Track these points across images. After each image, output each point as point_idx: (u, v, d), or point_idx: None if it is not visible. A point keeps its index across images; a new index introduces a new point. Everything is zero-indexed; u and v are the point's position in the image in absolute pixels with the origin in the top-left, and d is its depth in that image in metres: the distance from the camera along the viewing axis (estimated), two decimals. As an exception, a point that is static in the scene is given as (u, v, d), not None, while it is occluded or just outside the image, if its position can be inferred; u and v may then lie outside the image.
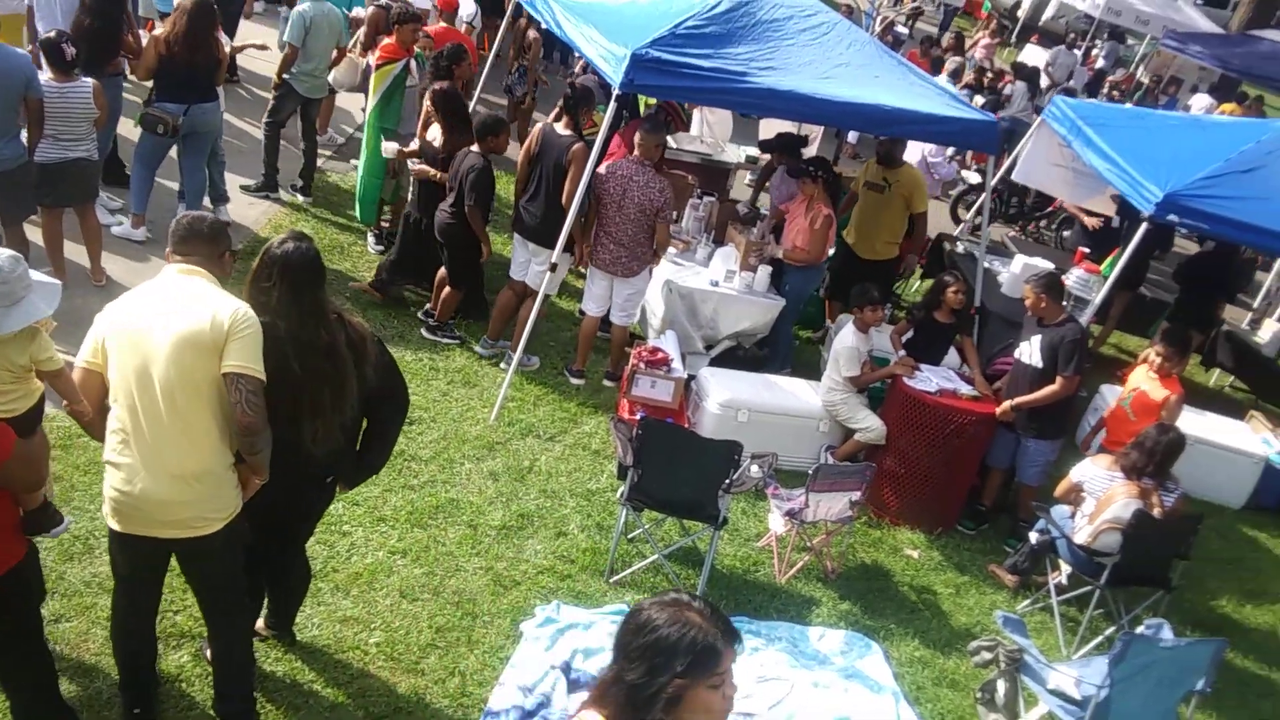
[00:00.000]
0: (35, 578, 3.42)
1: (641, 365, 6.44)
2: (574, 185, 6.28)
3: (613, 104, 6.06)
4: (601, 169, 6.51)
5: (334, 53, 8.32)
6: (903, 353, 6.65)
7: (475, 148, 6.56)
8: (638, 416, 6.00)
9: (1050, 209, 11.56)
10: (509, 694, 4.32)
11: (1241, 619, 6.29)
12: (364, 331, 3.72)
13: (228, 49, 7.63)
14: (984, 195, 7.87)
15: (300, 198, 8.48)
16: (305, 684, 4.16)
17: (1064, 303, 6.32)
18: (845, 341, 6.35)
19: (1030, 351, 6.07)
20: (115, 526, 3.39)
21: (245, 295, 3.45)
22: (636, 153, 6.56)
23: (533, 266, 6.70)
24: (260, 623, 4.26)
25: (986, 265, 7.90)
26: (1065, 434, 6.33)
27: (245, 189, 8.29)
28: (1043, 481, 6.24)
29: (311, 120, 8.45)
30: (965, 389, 6.28)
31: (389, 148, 7.33)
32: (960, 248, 9.07)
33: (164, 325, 3.19)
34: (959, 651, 5.24)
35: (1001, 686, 4.58)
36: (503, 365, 6.80)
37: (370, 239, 8.07)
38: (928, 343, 6.72)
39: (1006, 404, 6.07)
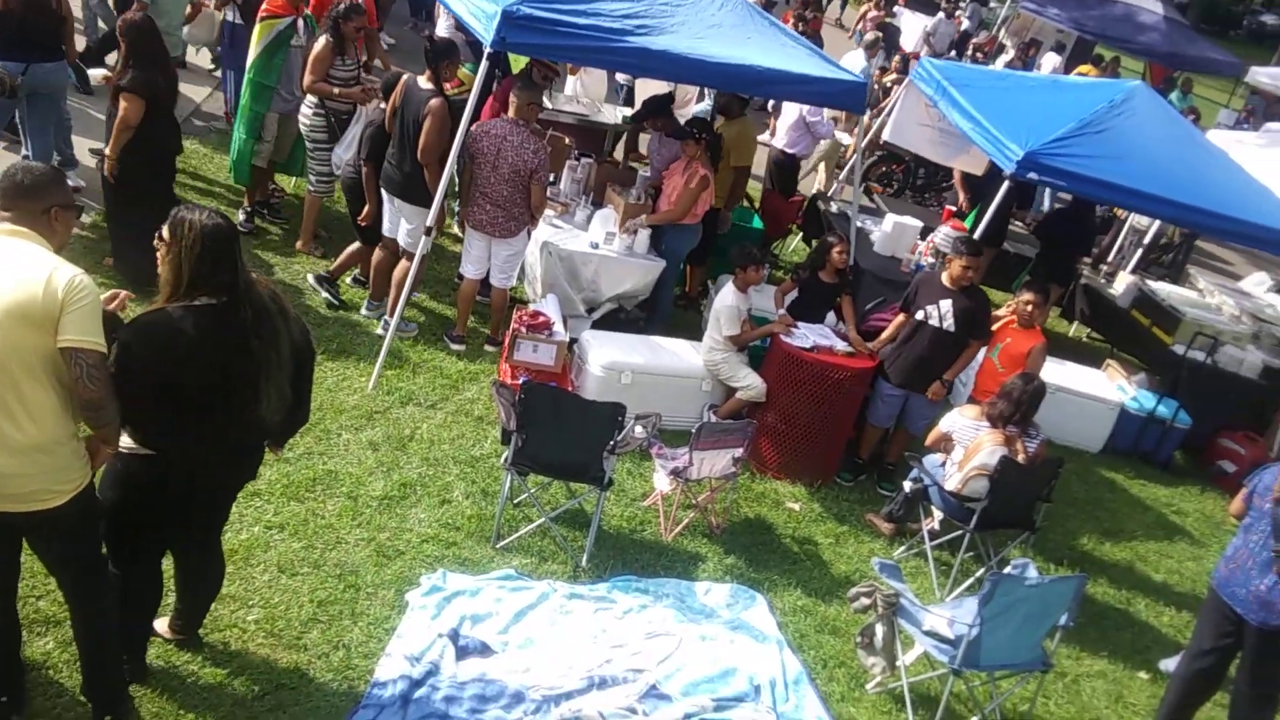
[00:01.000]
0: None
1: (523, 329, 6.38)
2: (429, 139, 6.16)
3: (484, 63, 5.93)
4: (475, 128, 6.39)
5: (187, 8, 7.92)
6: (782, 311, 6.75)
7: (382, 105, 6.54)
8: (520, 381, 5.95)
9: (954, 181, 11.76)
10: (396, 664, 4.27)
11: (1100, 556, 6.65)
12: (273, 287, 3.62)
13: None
14: (854, 155, 8.02)
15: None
16: (181, 665, 4.01)
17: (935, 259, 6.51)
18: (725, 301, 6.41)
19: (939, 315, 6.18)
20: None
21: (179, 278, 3.27)
22: (510, 112, 6.46)
23: (402, 224, 6.53)
24: (164, 624, 4.09)
25: (859, 225, 8.08)
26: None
27: (95, 153, 7.83)
28: (923, 432, 6.44)
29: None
30: (841, 345, 6.42)
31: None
32: (834, 207, 9.25)
33: None
34: (839, 599, 5.39)
35: (880, 630, 4.73)
36: (379, 332, 6.65)
37: (240, 216, 7.47)
38: (812, 302, 6.82)
39: (937, 384, 6.19)
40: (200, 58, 9.93)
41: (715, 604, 5.17)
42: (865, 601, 4.79)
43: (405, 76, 6.48)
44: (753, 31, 6.78)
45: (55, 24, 6.55)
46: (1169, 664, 5.55)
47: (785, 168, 9.84)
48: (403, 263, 6.53)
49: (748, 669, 4.73)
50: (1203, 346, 8.16)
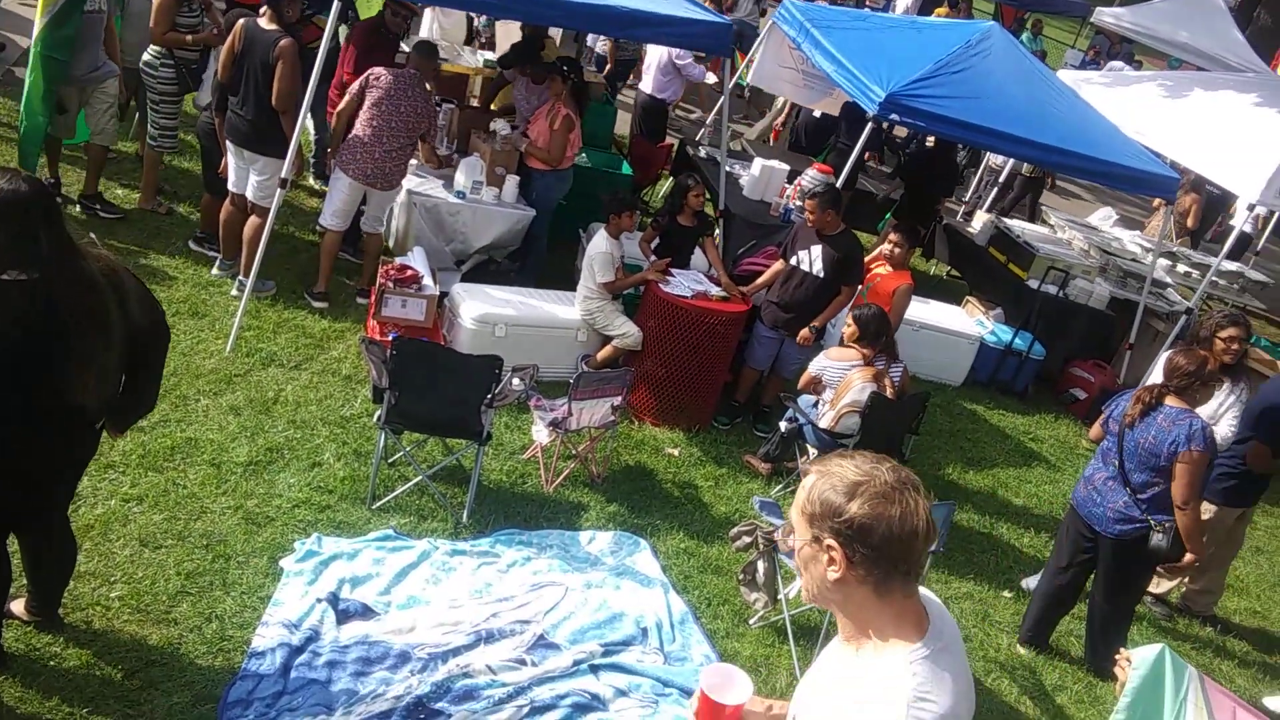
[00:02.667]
0: None
1: (390, 284, 6.19)
2: (284, 84, 5.89)
3: (335, 5, 5.66)
4: (377, 73, 6.27)
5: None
6: (654, 258, 6.74)
7: None
8: (390, 337, 5.78)
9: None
10: (274, 632, 4.13)
11: (965, 484, 6.94)
12: (114, 263, 3.30)
13: None
14: (722, 98, 8.02)
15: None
16: (42, 648, 3.78)
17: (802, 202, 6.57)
18: (598, 248, 6.35)
19: (810, 260, 6.25)
20: None
21: None
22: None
23: (251, 177, 6.22)
24: (20, 605, 3.83)
25: (728, 169, 8.10)
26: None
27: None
28: (796, 375, 6.55)
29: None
30: (715, 290, 6.45)
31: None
32: (703, 152, 9.25)
33: None
34: (720, 539, 5.47)
35: (761, 567, 4.82)
36: (234, 293, 6.34)
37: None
38: (674, 246, 6.83)
39: (805, 330, 6.25)
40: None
41: (599, 551, 5.18)
42: (746, 540, 4.87)
43: (242, 20, 6.11)
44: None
45: None
46: (1030, 582, 5.85)
47: (653, 112, 9.78)
48: (253, 219, 6.23)
49: (634, 613, 4.76)
50: (1054, 280, 8.53)
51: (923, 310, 8.08)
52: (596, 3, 6.14)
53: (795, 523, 1.95)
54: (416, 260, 6.53)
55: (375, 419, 5.20)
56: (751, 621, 4.99)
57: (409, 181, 6.92)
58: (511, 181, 7.11)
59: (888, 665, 1.90)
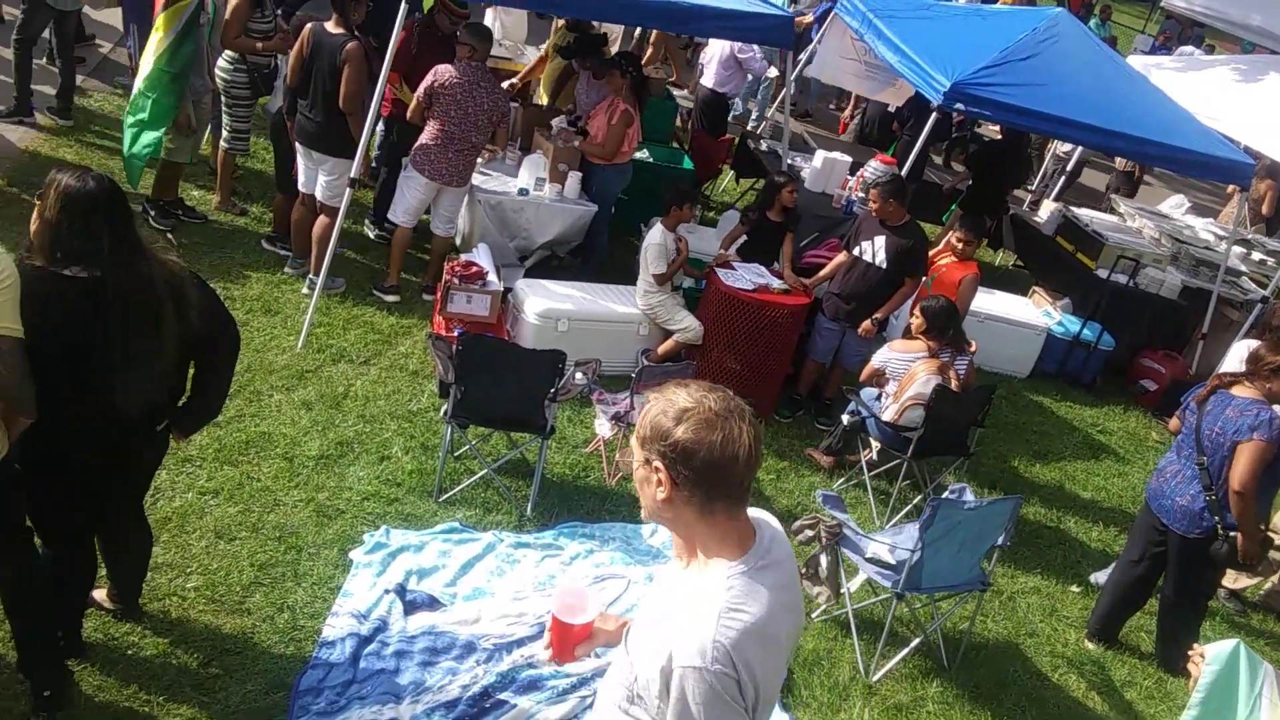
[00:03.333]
0: None
1: (456, 280, 6.28)
2: (351, 86, 5.99)
3: (404, 5, 5.75)
4: (445, 72, 6.31)
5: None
6: (722, 250, 6.76)
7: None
8: (455, 333, 5.87)
9: None
10: (344, 622, 4.23)
11: (1032, 477, 6.83)
12: (181, 272, 3.32)
13: None
14: (784, 90, 7.98)
15: (59, 121, 7.73)
16: (120, 637, 3.92)
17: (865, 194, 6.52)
18: (653, 239, 6.39)
19: (873, 252, 6.21)
20: None
21: (44, 242, 3.03)
22: (466, 56, 6.40)
23: (320, 177, 6.35)
24: (103, 594, 3.97)
25: (790, 161, 8.07)
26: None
27: (-3, 115, 7.49)
28: (859, 367, 6.49)
29: (66, 35, 7.68)
30: (776, 283, 6.44)
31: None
32: (764, 146, 9.22)
33: None
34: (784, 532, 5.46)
35: (824, 560, 4.81)
36: (305, 290, 6.49)
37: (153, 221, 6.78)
38: (762, 243, 6.80)
39: (867, 322, 6.21)
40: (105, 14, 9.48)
41: (661, 544, 5.21)
42: (809, 533, 4.85)
43: (310, 24, 6.24)
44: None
45: None
46: (1099, 577, 5.75)
47: (714, 106, 9.76)
48: (322, 218, 6.37)
49: (696, 606, 4.78)
50: (1124, 270, 8.35)
51: (988, 301, 7.97)
52: (657, -1, 6.16)
53: (633, 446, 2.04)
54: (481, 257, 6.62)
55: (442, 413, 5.29)
56: (814, 615, 4.98)
57: (474, 180, 7.01)
58: (574, 178, 7.16)
59: (707, 580, 2.00)
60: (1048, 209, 9.57)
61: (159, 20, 6.28)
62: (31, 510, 3.38)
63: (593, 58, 7.88)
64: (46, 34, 7.79)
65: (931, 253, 6.56)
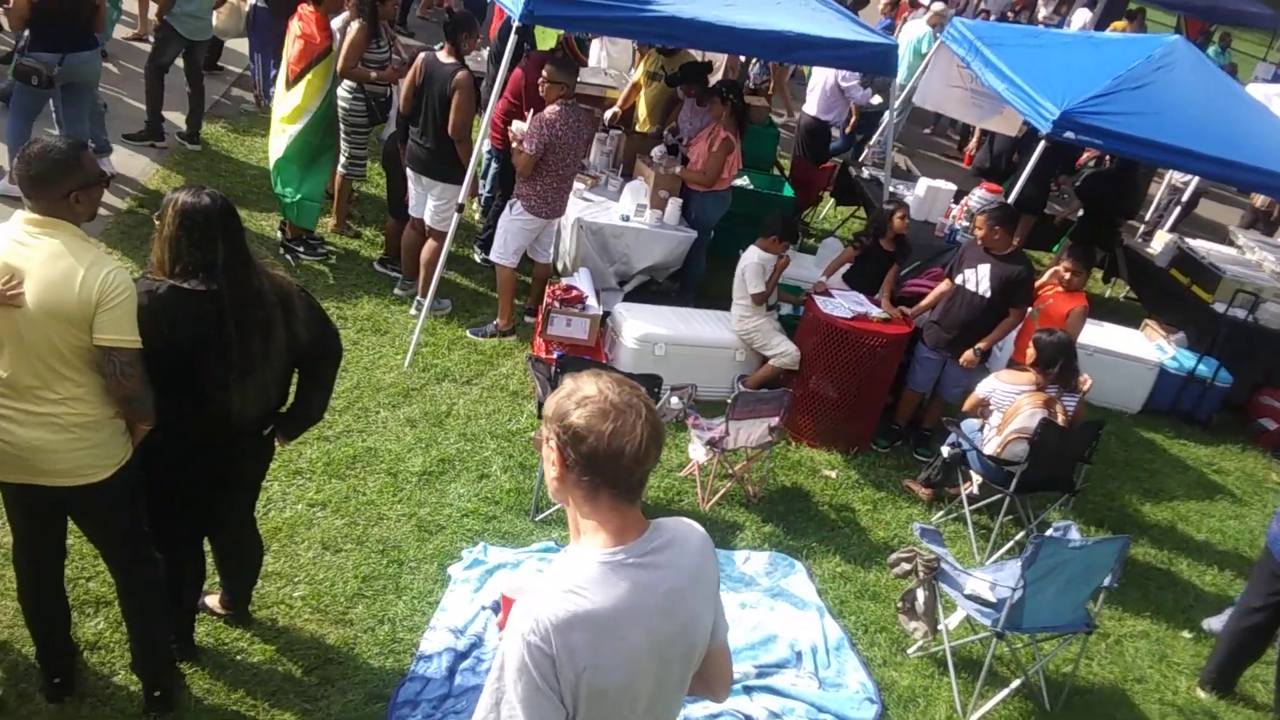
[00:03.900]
0: None
1: (556, 304, 6.39)
2: (460, 115, 6.16)
3: (513, 36, 5.91)
4: (554, 123, 6.20)
5: (216, -6, 7.94)
6: (824, 278, 6.75)
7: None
8: (554, 355, 5.97)
9: None
10: (441, 637, 4.32)
11: (1142, 517, 6.60)
12: (288, 285, 3.49)
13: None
14: (887, 119, 7.92)
15: (188, 145, 8.14)
16: (230, 642, 4.08)
17: (970, 223, 6.42)
18: (750, 259, 6.40)
19: (976, 280, 6.12)
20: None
21: (164, 257, 3.20)
22: (557, 93, 6.31)
23: (429, 202, 6.53)
24: (215, 600, 4.15)
25: (891, 189, 8.00)
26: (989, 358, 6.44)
27: (128, 137, 7.92)
28: (960, 399, 6.39)
29: (196, 64, 8.08)
30: (876, 312, 6.38)
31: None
32: (866, 174, 9.16)
33: (27, 290, 2.96)
34: (879, 564, 5.39)
35: (921, 595, 4.73)
36: (413, 311, 6.68)
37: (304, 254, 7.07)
38: (870, 270, 6.74)
39: (970, 352, 6.10)
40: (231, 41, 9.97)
41: (754, 572, 5.19)
42: (906, 567, 4.78)
43: (423, 54, 6.45)
44: (781, -4, 6.71)
45: (88, 14, 6.57)
46: (1213, 623, 5.51)
47: (817, 134, 9.74)
48: (430, 241, 6.55)
49: (789, 635, 4.75)
50: (1243, 304, 8.02)
51: (1097, 334, 7.74)
52: (760, 28, 6.20)
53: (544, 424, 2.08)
54: (581, 281, 6.73)
55: (539, 434, 5.38)
56: (910, 651, 4.90)
57: (577, 207, 7.14)
58: (674, 204, 7.23)
59: (570, 560, 2.03)
60: (1162, 240, 9.26)
61: (305, 87, 6.46)
62: (148, 514, 3.55)
63: (696, 85, 7.96)
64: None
65: (1038, 283, 6.41)
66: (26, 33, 6.44)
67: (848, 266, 6.89)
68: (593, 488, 2.00)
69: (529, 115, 6.36)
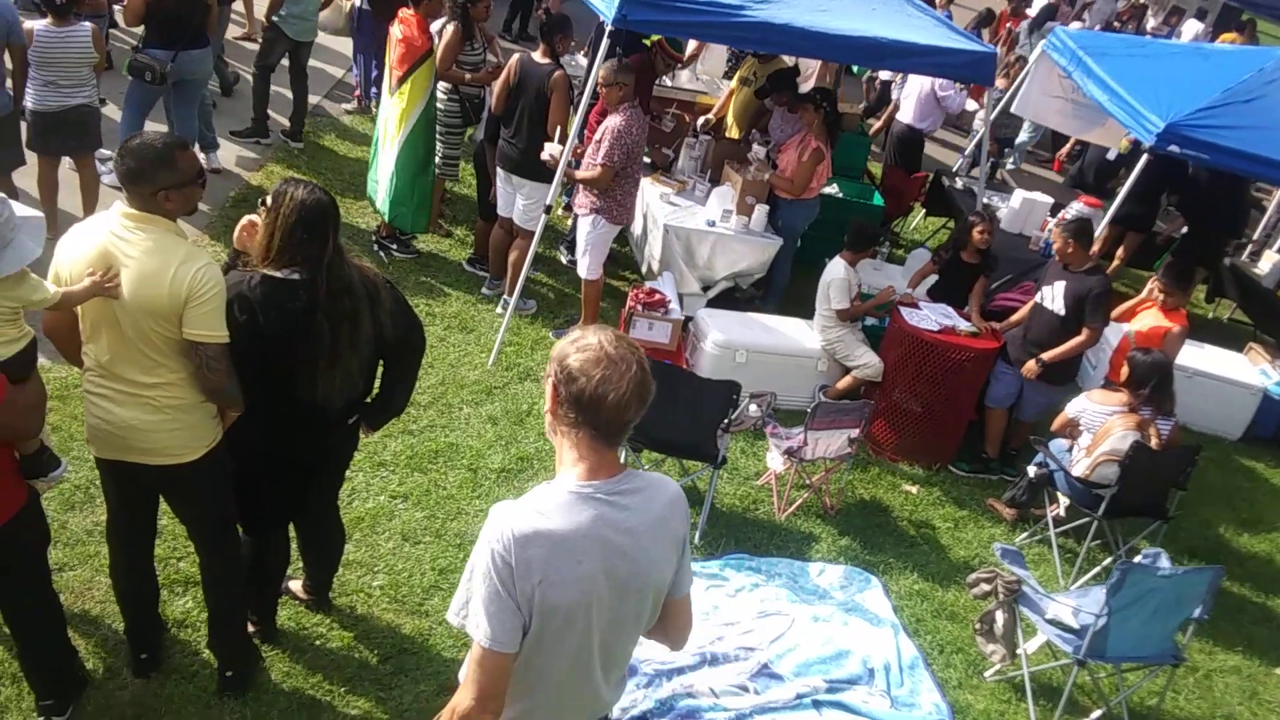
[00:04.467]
0: (39, 523, 3.40)
1: (639, 307, 6.42)
2: (559, 115, 6.24)
3: (605, 40, 5.95)
4: (628, 132, 6.14)
5: (322, -6, 8.17)
6: (908, 290, 6.64)
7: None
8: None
9: None
10: (512, 633, 4.36)
11: (1238, 547, 6.34)
12: (375, 277, 3.60)
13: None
14: (983, 129, 7.77)
15: (291, 143, 8.39)
16: (310, 627, 4.20)
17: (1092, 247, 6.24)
18: (835, 274, 6.33)
19: (1052, 297, 5.97)
20: (95, 453, 3.39)
21: (268, 248, 3.31)
22: (610, 94, 6.21)
23: (517, 201, 6.61)
24: (298, 585, 4.28)
25: (986, 201, 7.84)
26: (1071, 380, 6.24)
27: (235, 134, 8.20)
28: (1040, 419, 6.23)
29: (301, 64, 8.33)
30: (964, 325, 6.25)
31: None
32: (959, 184, 9.00)
33: (123, 282, 3.08)
34: (957, 584, 5.29)
35: (1000, 617, 4.62)
36: (498, 310, 6.78)
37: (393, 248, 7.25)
38: (953, 284, 6.64)
39: (1032, 362, 5.96)
40: (333, 40, 10.24)
41: (829, 585, 5.13)
42: (986, 588, 4.68)
43: (517, 55, 6.54)
44: (877, 3, 6.63)
45: (202, 13, 6.82)
46: (1312, 664, 5.28)
47: (909, 143, 9.60)
48: (518, 241, 6.63)
49: (862, 651, 4.68)
50: (1358, 329, 7.66)
51: (1197, 356, 7.46)
52: (854, 34, 6.13)
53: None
54: (665, 285, 6.74)
55: (617, 437, 5.41)
56: (987, 674, 4.79)
57: (663, 211, 7.16)
58: (760, 211, 7.19)
59: (545, 486, 2.23)
60: (1270, 260, 8.89)
61: (407, 93, 6.59)
62: (236, 499, 3.66)
63: (787, 92, 7.91)
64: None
65: (1134, 302, 6.21)
66: (142, 30, 6.72)
67: (933, 280, 6.77)
68: (576, 425, 2.20)
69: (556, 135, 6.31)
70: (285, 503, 3.85)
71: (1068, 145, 12.28)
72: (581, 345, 2.19)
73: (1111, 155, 9.75)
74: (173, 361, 3.19)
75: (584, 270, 6.57)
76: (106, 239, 3.11)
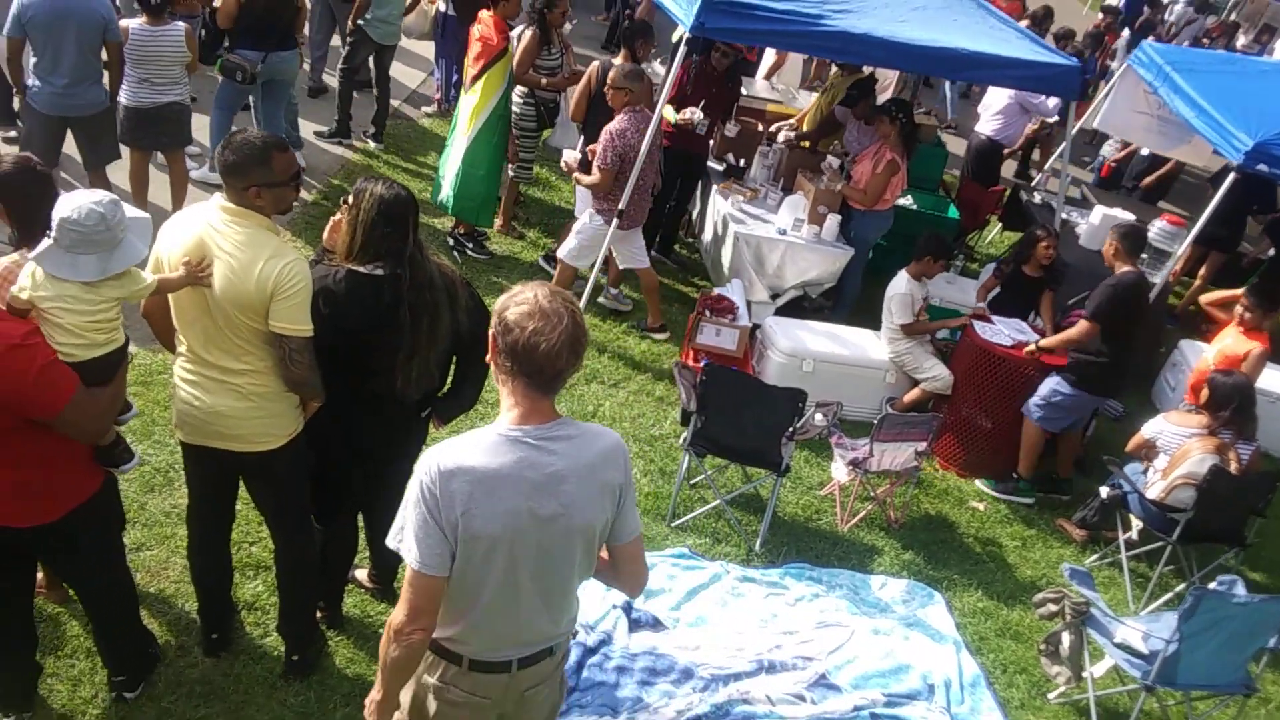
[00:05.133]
0: (114, 507, 3.52)
1: (706, 313, 6.42)
2: None
3: (682, 47, 5.99)
4: (625, 134, 6.15)
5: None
6: (980, 305, 6.54)
7: None
8: (701, 364, 6.00)
9: None
10: (571, 630, 4.40)
11: (1320, 581, 6.12)
12: (452, 274, 3.69)
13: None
14: (1064, 144, 7.63)
15: (372, 144, 8.57)
16: (375, 615, 4.28)
17: (1141, 255, 6.10)
18: (897, 288, 6.27)
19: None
20: (182, 437, 3.50)
21: (350, 243, 3.40)
22: (616, 98, 6.23)
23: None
24: (364, 574, 4.37)
25: (1064, 216, 7.70)
26: (1103, 392, 5.96)
27: (319, 135, 8.41)
28: (1046, 425, 6.00)
29: (385, 67, 8.51)
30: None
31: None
32: (1037, 198, 8.84)
33: (215, 272, 3.18)
34: (1023, 604, 5.19)
35: (1066, 639, 4.53)
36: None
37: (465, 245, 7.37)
38: (1014, 298, 6.54)
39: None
40: (414, 45, 10.44)
41: (890, 599, 5.08)
42: (1052, 608, 4.59)
43: (597, 61, 6.60)
44: (960, 14, 6.58)
45: (291, 14, 7.02)
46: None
47: (987, 155, 9.45)
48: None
49: (922, 667, 4.62)
50: None
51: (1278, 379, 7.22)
52: (935, 45, 6.08)
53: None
54: (733, 292, 6.74)
55: (681, 440, 5.42)
56: (1051, 696, 4.70)
57: (734, 219, 7.16)
58: (832, 220, 7.15)
59: (480, 429, 2.41)
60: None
61: (482, 83, 6.69)
62: (310, 487, 3.75)
63: (863, 102, 7.86)
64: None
65: (1217, 325, 6.04)
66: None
67: (996, 293, 6.67)
68: (512, 374, 2.38)
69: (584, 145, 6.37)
70: (356, 492, 3.94)
71: (1120, 151, 11.81)
72: (519, 299, 2.37)
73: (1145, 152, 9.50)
74: (259, 350, 3.29)
75: (562, 250, 6.67)
76: (204, 229, 3.21)
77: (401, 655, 2.45)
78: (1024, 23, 9.74)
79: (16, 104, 6.59)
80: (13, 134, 6.97)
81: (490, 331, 2.40)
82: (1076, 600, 4.52)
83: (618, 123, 6.21)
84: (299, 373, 3.29)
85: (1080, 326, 5.72)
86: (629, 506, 2.60)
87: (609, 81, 6.26)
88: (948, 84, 12.48)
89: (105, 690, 3.70)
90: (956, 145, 10.64)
